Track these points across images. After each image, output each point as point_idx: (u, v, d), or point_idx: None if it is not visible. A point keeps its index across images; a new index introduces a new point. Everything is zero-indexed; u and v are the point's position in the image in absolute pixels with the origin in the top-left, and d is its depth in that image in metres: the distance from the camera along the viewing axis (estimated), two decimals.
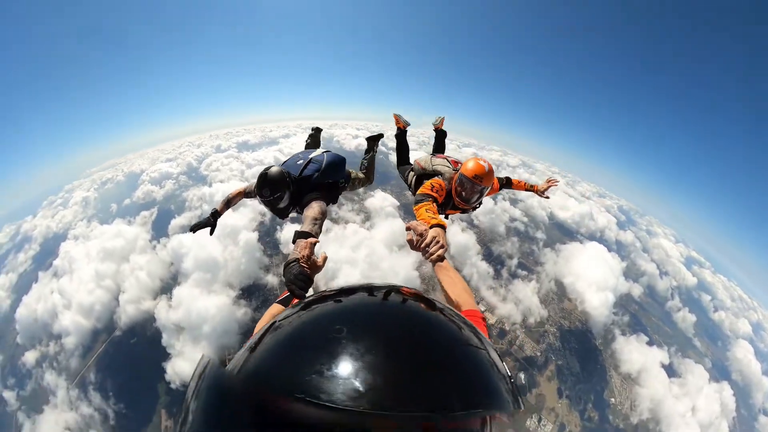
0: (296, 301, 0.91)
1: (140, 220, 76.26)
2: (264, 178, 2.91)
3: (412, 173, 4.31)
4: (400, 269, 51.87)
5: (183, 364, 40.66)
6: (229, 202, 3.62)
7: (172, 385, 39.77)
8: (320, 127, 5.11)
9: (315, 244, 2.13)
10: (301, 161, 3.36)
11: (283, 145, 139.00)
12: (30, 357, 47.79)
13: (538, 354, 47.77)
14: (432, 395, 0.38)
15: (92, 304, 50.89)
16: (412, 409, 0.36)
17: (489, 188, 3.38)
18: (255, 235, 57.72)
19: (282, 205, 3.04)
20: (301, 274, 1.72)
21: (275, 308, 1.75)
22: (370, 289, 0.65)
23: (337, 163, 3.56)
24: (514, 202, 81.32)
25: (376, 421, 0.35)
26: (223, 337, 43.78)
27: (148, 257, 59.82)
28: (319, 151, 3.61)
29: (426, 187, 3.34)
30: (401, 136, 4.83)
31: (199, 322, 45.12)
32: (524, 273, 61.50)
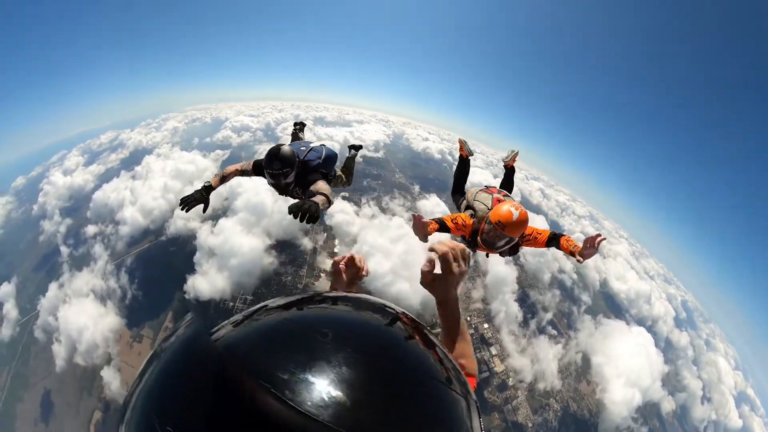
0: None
1: (213, 156, 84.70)
2: (277, 152, 3.14)
3: (465, 202, 4.21)
4: None
5: (202, 283, 44.20)
6: (224, 179, 3.64)
7: (187, 296, 43.45)
8: (304, 122, 5.32)
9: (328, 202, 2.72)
10: (304, 148, 3.61)
11: (355, 128, 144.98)
12: (91, 229, 56.88)
13: (530, 425, 42.42)
14: (394, 429, 0.36)
15: (152, 209, 57.27)
16: None
17: (513, 240, 3.14)
18: None
19: (287, 180, 3.25)
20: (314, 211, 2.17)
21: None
22: (374, 307, 0.61)
23: (333, 157, 3.83)
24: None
25: None
26: (243, 275, 45.64)
27: None
28: (317, 143, 3.88)
29: (449, 217, 3.37)
30: (463, 164, 4.61)
31: (230, 254, 47.72)
32: (554, 332, 55.91)
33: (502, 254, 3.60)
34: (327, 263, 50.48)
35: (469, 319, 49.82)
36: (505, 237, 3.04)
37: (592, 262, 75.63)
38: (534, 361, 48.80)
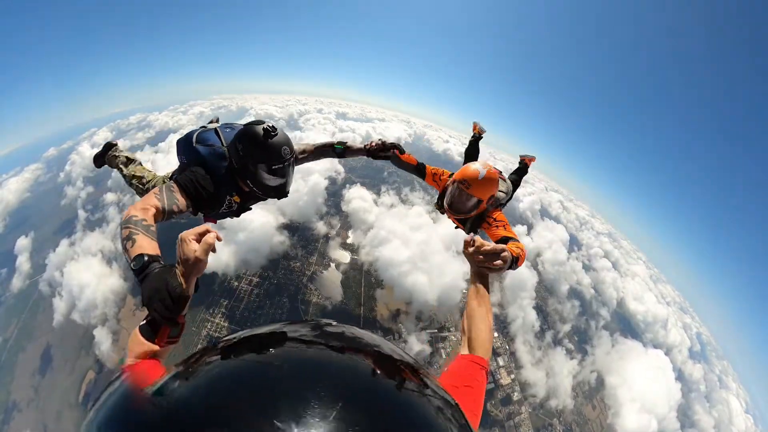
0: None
1: None
2: (274, 131, 1.96)
3: None
4: (449, 272, 47.96)
5: None
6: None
7: None
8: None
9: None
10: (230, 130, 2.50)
11: (376, 124, 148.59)
12: (110, 197, 59.23)
13: None
14: None
15: None
16: None
17: (480, 201, 2.79)
18: (324, 183, 59.89)
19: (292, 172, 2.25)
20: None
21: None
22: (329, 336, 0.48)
23: None
24: (587, 268, 71.88)
25: None
26: (250, 252, 44.53)
27: None
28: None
29: (434, 168, 3.32)
30: (475, 141, 4.69)
31: (239, 228, 46.75)
32: (570, 346, 52.53)
33: (464, 225, 3.29)
34: (338, 253, 49.20)
35: None
36: (472, 198, 2.74)
37: (610, 278, 72.36)
38: (549, 374, 45.84)
